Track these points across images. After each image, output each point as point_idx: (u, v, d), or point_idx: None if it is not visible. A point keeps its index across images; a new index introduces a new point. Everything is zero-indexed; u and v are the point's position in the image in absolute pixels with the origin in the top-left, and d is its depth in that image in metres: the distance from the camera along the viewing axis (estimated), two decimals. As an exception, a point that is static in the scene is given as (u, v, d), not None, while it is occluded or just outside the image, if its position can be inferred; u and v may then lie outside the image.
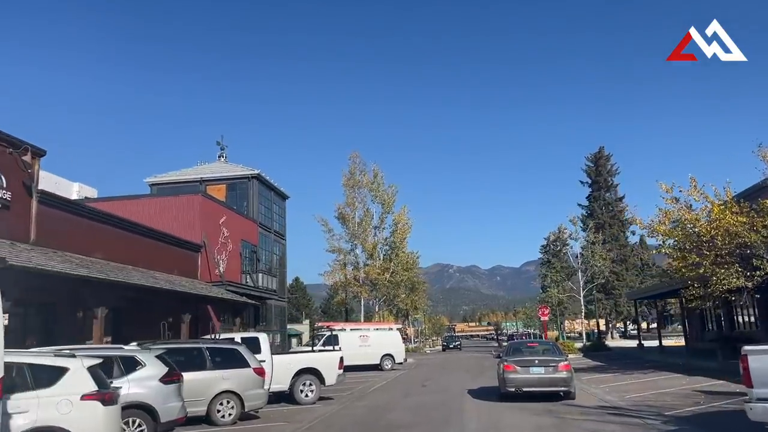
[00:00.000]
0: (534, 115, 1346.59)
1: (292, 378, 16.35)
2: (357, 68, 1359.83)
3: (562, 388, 14.84)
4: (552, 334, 75.26)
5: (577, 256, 39.10)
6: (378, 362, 30.87)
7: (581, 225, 42.23)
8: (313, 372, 16.56)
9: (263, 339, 16.28)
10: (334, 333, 30.90)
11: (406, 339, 75.95)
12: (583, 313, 40.42)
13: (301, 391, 16.41)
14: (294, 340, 55.12)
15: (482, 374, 25.91)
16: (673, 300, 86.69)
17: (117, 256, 21.41)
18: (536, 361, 15.21)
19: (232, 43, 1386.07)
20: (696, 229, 19.33)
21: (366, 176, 40.59)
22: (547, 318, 39.19)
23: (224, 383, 12.76)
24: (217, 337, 15.81)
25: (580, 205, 72.91)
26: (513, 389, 14.82)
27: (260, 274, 34.40)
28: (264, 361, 15.77)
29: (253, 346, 15.95)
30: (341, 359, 17.06)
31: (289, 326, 61.93)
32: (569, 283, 40.32)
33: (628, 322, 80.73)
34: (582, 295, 38.82)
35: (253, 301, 27.78)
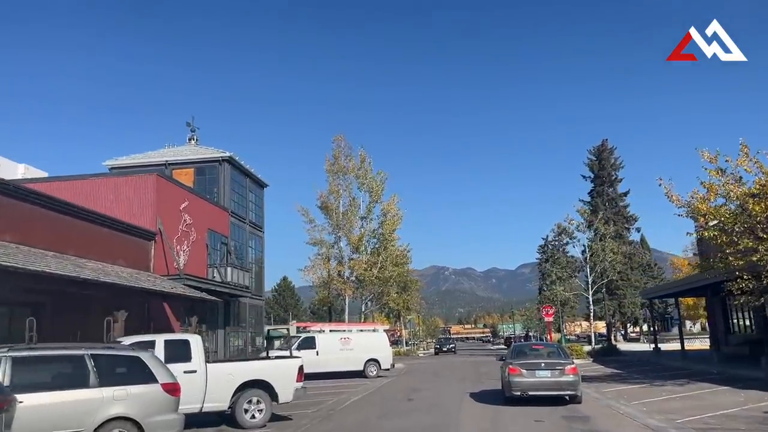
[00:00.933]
0: (533, 114, 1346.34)
1: (234, 393, 12.40)
2: (352, 66, 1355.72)
3: (569, 392, 14.27)
4: (554, 336, 71.57)
5: (584, 251, 35.24)
6: (361, 368, 26.97)
7: (585, 219, 38.40)
8: (262, 385, 12.62)
9: (195, 342, 12.34)
10: (311, 335, 27.12)
11: (397, 341, 71.83)
12: (592, 314, 36.50)
13: (246, 411, 12.46)
14: (278, 342, 51.16)
15: (480, 382, 22.13)
16: (680, 300, 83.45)
17: (37, 241, 17.49)
18: (542, 365, 14.53)
19: (214, 28, 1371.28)
20: (748, 207, 15.49)
21: (352, 161, 36.61)
22: (551, 318, 35.35)
23: (115, 406, 8.81)
24: (112, 339, 11.80)
25: (582, 200, 69.24)
26: (519, 393, 14.14)
27: (229, 268, 30.42)
28: (194, 371, 11.92)
29: (182, 351, 12.09)
30: (300, 368, 13.10)
31: (273, 327, 57.98)
32: (576, 280, 36.33)
33: (628, 324, 77.26)
34: (590, 293, 34.95)
35: (213, 298, 23.82)
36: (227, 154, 33.47)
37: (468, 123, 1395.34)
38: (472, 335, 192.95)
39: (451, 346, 59.11)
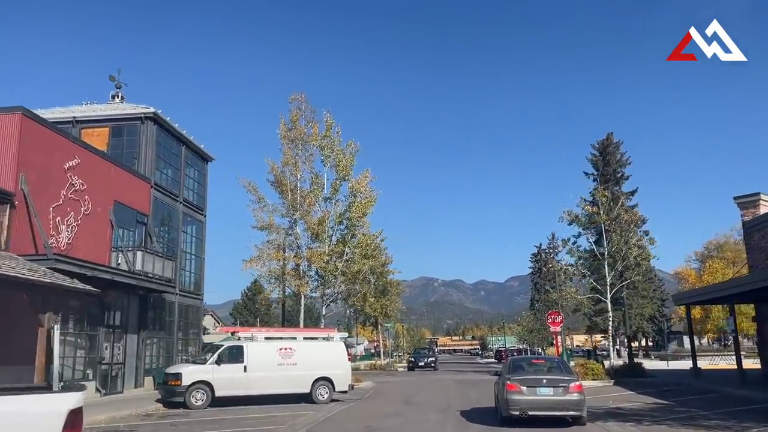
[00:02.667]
0: (530, 116, 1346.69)
1: None
2: (346, 61, 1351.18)
3: (573, 413, 12.75)
4: (553, 351, 64.13)
5: (597, 241, 28.08)
6: (308, 390, 19.78)
7: (603, 204, 31.29)
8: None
9: None
10: (237, 343, 19.87)
11: (375, 354, 64.24)
12: (611, 322, 29.18)
13: None
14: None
15: (470, 410, 15.02)
16: (683, 310, 76.51)
17: None
18: (544, 381, 12.94)
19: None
20: None
21: (315, 127, 29.44)
22: (559, 328, 28.31)
23: None
24: None
25: (584, 199, 62.47)
26: (517, 413, 12.61)
27: (140, 254, 23.11)
28: None
29: None
30: (72, 417, 5.88)
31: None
32: (590, 281, 29.10)
33: (624, 339, 70.62)
34: (609, 296, 27.78)
35: (87, 287, 16.45)
36: (151, 109, 26.22)
37: (458, 125, 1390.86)
38: (460, 347, 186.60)
39: (430, 360, 45.35)
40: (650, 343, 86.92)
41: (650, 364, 39.95)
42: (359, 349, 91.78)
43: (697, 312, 76.60)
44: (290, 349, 19.98)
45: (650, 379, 25.17)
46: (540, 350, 61.69)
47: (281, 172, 28.44)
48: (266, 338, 19.98)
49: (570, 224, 29.04)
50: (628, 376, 25.64)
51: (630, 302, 57.31)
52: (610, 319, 28.88)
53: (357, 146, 29.45)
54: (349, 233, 28.92)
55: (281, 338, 20.42)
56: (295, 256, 28.59)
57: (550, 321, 28.61)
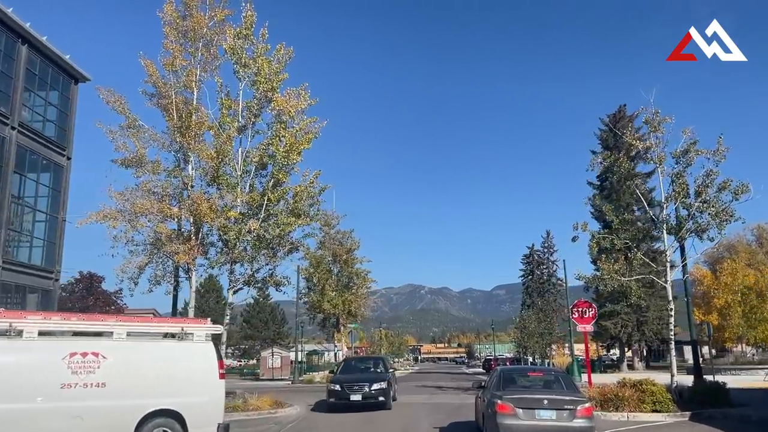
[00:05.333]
0: (524, 115, 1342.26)
1: None
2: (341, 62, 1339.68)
3: None
4: (560, 360, 54.42)
5: (655, 202, 18.48)
6: (130, 436, 9.83)
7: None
8: None
9: None
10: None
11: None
12: (672, 317, 18.76)
13: None
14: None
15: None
16: (699, 316, 67.24)
17: None
18: (545, 402, 10.37)
19: None
20: None
21: (221, 16, 19.37)
22: (590, 326, 18.61)
23: None
24: None
25: (590, 183, 53.22)
26: None
27: None
28: None
29: None
30: None
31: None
32: (639, 255, 18.59)
33: (613, 347, 62.25)
34: (669, 278, 17.65)
35: None
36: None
37: (450, 129, 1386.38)
38: (446, 355, 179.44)
39: (375, 389, 18.86)
40: (644, 353, 78.53)
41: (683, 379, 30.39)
42: (336, 356, 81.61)
43: (714, 318, 67.70)
44: (94, 354, 9.98)
45: (743, 410, 15.49)
46: (533, 359, 51.98)
47: (162, 79, 18.39)
48: (40, 333, 9.93)
49: (602, 174, 19.62)
50: (708, 404, 15.93)
51: (647, 303, 47.95)
52: (672, 310, 18.55)
53: (290, 52, 19.52)
54: (272, 180, 18.89)
55: (79, 333, 10.44)
56: (190, 209, 18.47)
57: (576, 317, 18.98)
